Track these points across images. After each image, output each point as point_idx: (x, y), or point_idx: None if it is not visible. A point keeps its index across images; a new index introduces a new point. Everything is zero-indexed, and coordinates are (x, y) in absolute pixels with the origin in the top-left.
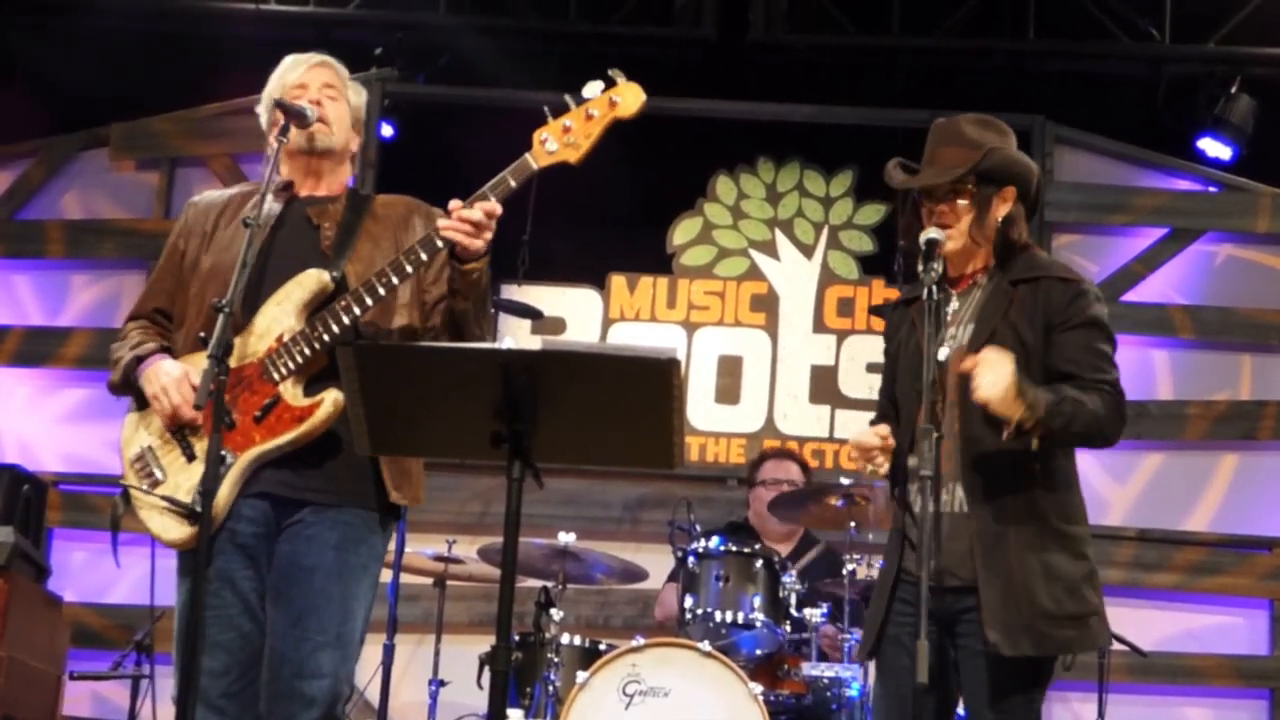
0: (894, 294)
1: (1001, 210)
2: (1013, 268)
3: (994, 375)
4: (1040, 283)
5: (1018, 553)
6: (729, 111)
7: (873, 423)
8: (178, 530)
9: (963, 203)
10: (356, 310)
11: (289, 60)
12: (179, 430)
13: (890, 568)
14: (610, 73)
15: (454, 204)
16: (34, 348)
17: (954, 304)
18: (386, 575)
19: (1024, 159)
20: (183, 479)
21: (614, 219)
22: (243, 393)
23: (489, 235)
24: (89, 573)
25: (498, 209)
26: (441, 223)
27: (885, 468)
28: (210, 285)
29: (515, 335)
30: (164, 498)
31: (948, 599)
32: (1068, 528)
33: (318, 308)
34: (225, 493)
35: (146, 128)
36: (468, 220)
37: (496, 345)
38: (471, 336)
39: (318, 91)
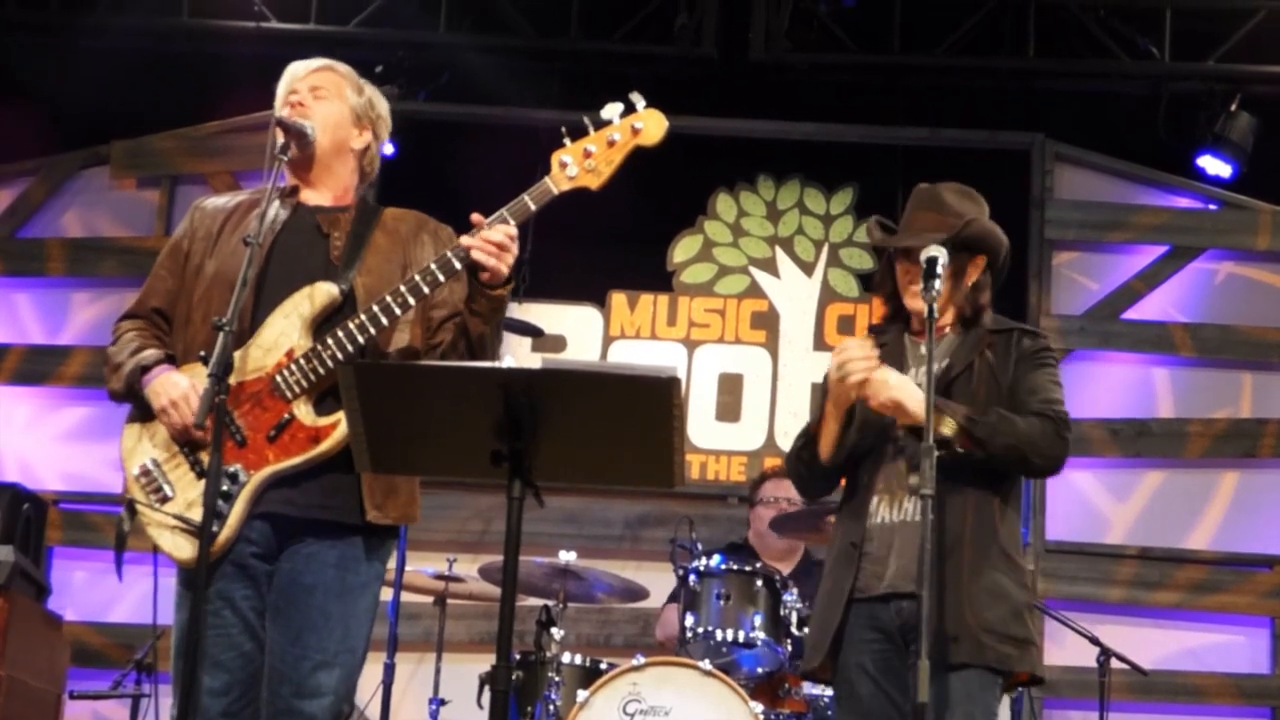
0: None
1: (973, 276)
2: (981, 323)
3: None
4: (1013, 333)
5: (971, 566)
6: (729, 129)
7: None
8: (191, 549)
9: None
10: (372, 330)
11: (287, 70)
12: (186, 444)
13: (839, 586)
14: (631, 96)
15: (476, 218)
16: (34, 366)
17: (921, 349)
18: (387, 594)
19: (997, 232)
20: (193, 495)
21: (614, 236)
22: (253, 409)
23: (511, 258)
24: (89, 592)
25: (514, 232)
26: (466, 240)
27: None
28: (215, 291)
29: (515, 353)
30: (176, 516)
31: (903, 607)
32: (1016, 557)
33: (325, 320)
34: (239, 511)
35: (147, 146)
36: (490, 241)
37: (496, 364)
38: (485, 360)
39: (303, 94)
